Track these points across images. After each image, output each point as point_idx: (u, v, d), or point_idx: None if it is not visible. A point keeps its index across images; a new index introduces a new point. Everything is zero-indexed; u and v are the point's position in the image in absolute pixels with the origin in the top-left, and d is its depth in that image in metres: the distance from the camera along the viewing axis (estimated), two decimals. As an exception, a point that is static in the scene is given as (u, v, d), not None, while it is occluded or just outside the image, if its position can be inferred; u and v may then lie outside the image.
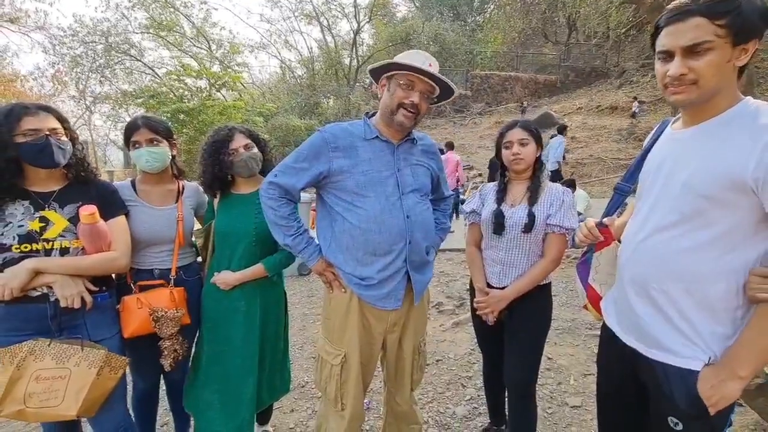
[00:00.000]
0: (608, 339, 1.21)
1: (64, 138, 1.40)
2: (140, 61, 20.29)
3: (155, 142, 1.64)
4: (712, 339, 0.96)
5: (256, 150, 1.76)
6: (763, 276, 0.86)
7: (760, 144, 0.85)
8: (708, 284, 0.95)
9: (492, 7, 24.73)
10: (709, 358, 0.96)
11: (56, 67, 20.10)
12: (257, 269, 1.70)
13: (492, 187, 1.81)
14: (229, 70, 19.73)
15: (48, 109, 1.39)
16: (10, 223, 1.33)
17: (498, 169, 1.81)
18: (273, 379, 1.87)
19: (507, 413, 1.89)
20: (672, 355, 1.00)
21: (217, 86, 17.44)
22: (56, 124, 1.39)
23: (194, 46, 21.05)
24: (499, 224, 1.65)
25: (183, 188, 1.80)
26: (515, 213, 1.66)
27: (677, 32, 0.92)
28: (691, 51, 0.90)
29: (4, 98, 16.13)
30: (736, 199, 0.89)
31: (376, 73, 1.47)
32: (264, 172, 1.79)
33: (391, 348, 1.58)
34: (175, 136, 1.76)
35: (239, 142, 1.71)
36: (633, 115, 13.35)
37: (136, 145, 1.63)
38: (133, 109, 17.93)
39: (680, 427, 1.01)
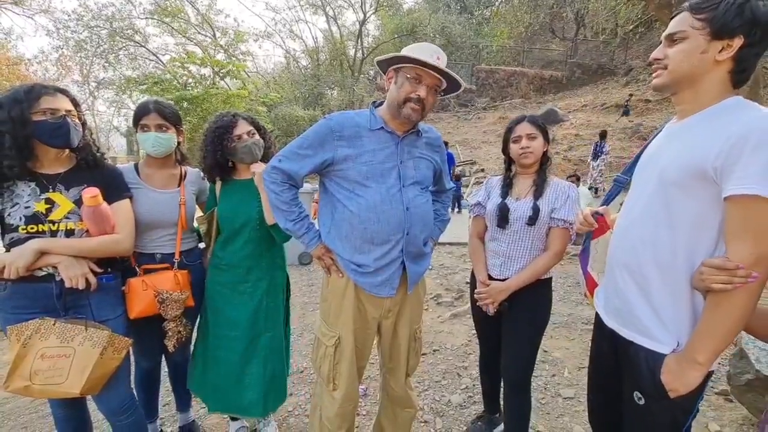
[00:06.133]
0: (599, 323, 1.28)
1: (77, 120, 1.43)
2: (144, 47, 20.21)
3: (164, 128, 1.67)
4: (681, 324, 1.02)
5: (258, 137, 1.78)
6: (713, 267, 0.91)
7: (723, 136, 0.90)
8: (676, 270, 1.00)
9: (500, 0, 24.47)
10: (678, 343, 1.02)
11: (60, 52, 20.07)
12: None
13: (498, 180, 1.83)
14: (234, 58, 19.64)
15: (64, 92, 1.42)
16: (17, 203, 1.35)
17: None
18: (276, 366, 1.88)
19: (502, 402, 1.93)
20: (645, 337, 1.07)
21: (221, 74, 17.38)
22: (71, 107, 1.42)
23: (199, 33, 20.92)
24: (503, 217, 1.67)
25: (185, 173, 1.82)
26: (520, 206, 1.67)
27: (670, 24, 1.04)
28: (671, 39, 1.02)
29: (8, 82, 16.11)
30: (700, 188, 0.95)
31: (384, 65, 1.47)
32: (264, 160, 1.81)
33: (387, 333, 1.61)
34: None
35: (243, 128, 1.73)
36: (626, 113, 13.32)
37: (145, 129, 1.65)
38: (137, 95, 17.88)
39: (643, 402, 1.08)
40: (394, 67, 1.44)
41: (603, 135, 10.02)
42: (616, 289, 1.15)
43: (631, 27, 17.33)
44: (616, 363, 1.20)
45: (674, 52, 1.00)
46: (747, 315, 0.92)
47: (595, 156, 9.84)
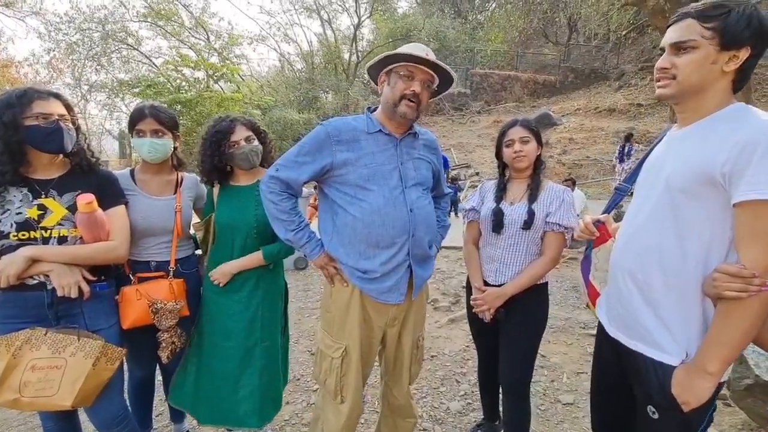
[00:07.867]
0: (602, 332, 1.26)
1: (71, 125, 1.40)
2: (137, 50, 20.06)
3: (160, 134, 1.63)
4: (690, 333, 1.00)
5: (257, 143, 1.75)
6: (728, 273, 0.89)
7: (731, 142, 0.90)
8: (685, 277, 0.98)
9: (493, 5, 24.70)
10: (687, 354, 1.00)
11: (52, 54, 19.84)
12: (255, 257, 1.70)
13: (492, 184, 1.82)
14: (228, 61, 19.57)
15: (58, 96, 1.40)
16: (8, 210, 1.31)
17: None
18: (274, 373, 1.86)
19: (501, 410, 1.91)
20: (651, 348, 1.05)
21: (215, 78, 17.32)
22: (64, 111, 1.39)
23: (192, 36, 20.83)
24: (498, 222, 1.67)
25: (182, 179, 1.79)
26: (514, 211, 1.67)
27: (672, 31, 1.01)
28: (678, 48, 0.99)
29: (-2, 84, 15.90)
30: (708, 194, 0.94)
31: (375, 70, 1.47)
32: (264, 164, 1.78)
33: (391, 342, 1.58)
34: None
35: (240, 134, 1.70)
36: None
37: (140, 134, 1.62)
38: (129, 98, 17.75)
39: (656, 416, 1.06)
40: (386, 70, 1.44)
41: (628, 137, 9.62)
42: (620, 297, 1.13)
43: (623, 32, 17.56)
44: (620, 371, 1.18)
45: (684, 62, 0.98)
46: (759, 324, 0.90)
47: (622, 159, 9.57)
